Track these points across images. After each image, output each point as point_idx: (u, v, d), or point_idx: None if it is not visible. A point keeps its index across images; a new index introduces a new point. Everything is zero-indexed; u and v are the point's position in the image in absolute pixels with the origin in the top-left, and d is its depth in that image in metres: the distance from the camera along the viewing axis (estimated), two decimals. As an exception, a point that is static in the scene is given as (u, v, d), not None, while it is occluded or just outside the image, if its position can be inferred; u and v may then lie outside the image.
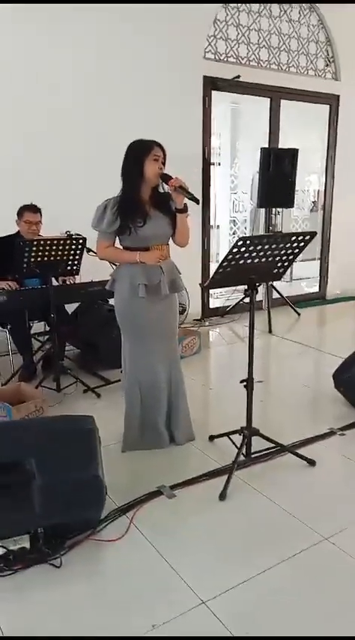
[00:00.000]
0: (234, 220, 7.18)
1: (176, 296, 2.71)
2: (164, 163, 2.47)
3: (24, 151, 4.02)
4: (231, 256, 2.18)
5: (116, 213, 2.44)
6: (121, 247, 2.57)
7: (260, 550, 1.97)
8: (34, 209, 3.65)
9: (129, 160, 2.47)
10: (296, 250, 2.34)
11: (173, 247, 2.66)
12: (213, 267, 5.73)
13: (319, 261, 6.40)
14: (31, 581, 1.82)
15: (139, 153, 2.43)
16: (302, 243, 2.31)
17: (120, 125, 4.33)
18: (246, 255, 2.20)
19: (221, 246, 7.30)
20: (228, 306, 5.47)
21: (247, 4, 5.02)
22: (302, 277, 6.95)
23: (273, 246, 2.24)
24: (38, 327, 3.94)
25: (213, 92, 5.02)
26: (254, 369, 2.48)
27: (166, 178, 2.44)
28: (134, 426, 2.68)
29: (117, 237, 2.55)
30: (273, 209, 5.40)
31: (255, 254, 2.22)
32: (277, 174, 4.93)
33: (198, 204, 2.44)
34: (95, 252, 3.42)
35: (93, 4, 4.11)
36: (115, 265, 2.75)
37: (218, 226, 7.15)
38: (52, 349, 3.49)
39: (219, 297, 5.84)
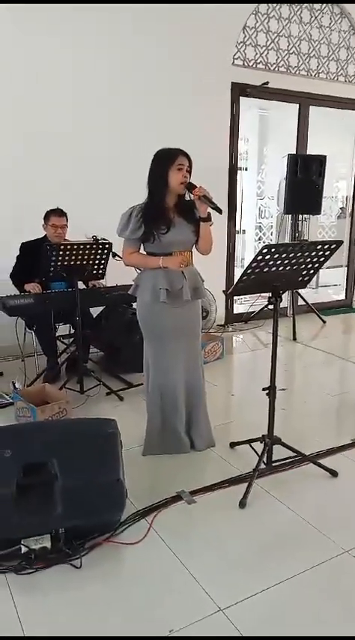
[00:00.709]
0: (260, 226, 7.14)
1: (199, 302, 2.72)
2: (190, 172, 2.48)
3: (47, 155, 4.09)
4: (255, 264, 2.18)
5: (140, 220, 2.48)
6: (145, 253, 2.60)
7: (279, 560, 1.96)
8: (59, 213, 3.72)
9: (154, 169, 2.49)
10: (322, 259, 2.32)
11: (197, 253, 2.68)
12: (238, 272, 5.72)
13: (346, 268, 6.32)
14: (52, 580, 1.85)
15: (164, 162, 2.45)
16: (327, 252, 2.29)
17: (147, 130, 4.38)
18: (271, 262, 2.20)
19: (246, 251, 7.27)
20: (252, 312, 5.44)
21: (278, 10, 5.01)
22: (328, 284, 6.87)
23: (298, 255, 2.23)
24: (63, 329, 4.01)
25: (241, 98, 5.03)
26: (277, 376, 2.47)
27: (191, 187, 2.46)
28: (155, 430, 2.70)
29: (141, 244, 2.58)
30: (300, 216, 5.36)
31: (279, 262, 2.22)
32: (304, 181, 4.90)
33: (220, 214, 2.44)
34: (120, 257, 3.49)
35: (116, 4, 4.16)
36: (140, 270, 2.78)
37: (243, 231, 7.12)
38: (77, 352, 3.54)
39: (243, 303, 5.82)
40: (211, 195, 2.44)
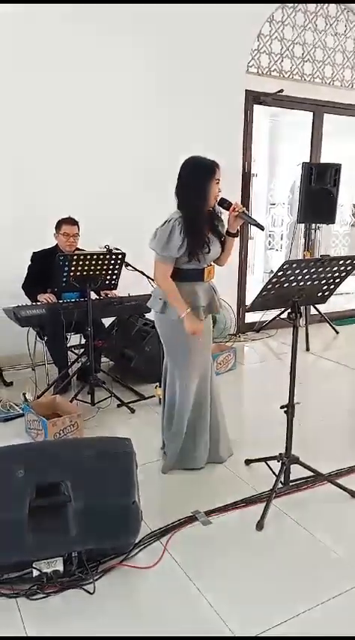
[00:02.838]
0: (272, 234, 7.09)
1: (210, 315, 2.68)
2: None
3: (64, 164, 4.07)
4: (275, 279, 2.12)
5: (183, 237, 2.31)
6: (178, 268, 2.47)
7: (299, 589, 1.88)
8: (71, 222, 3.68)
9: (191, 181, 2.33)
10: (343, 274, 2.26)
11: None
12: (250, 279, 5.66)
13: (359, 277, 6.22)
14: (64, 607, 1.79)
15: (203, 174, 2.32)
16: (349, 267, 2.23)
17: (160, 137, 4.37)
18: (291, 277, 2.14)
19: (256, 258, 7.23)
20: (264, 322, 5.37)
21: (293, 18, 4.97)
22: (340, 293, 6.78)
23: (319, 270, 2.17)
24: (74, 339, 3.96)
25: (255, 105, 4.98)
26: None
27: (223, 203, 2.38)
28: (187, 446, 2.65)
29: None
30: (313, 224, 5.30)
31: (300, 277, 2.16)
32: (318, 189, 4.83)
33: (263, 230, 2.40)
34: (133, 267, 3.46)
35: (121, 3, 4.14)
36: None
37: (252, 237, 7.08)
38: (88, 362, 3.49)
39: (256, 312, 5.75)
40: (247, 211, 2.40)
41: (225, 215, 2.52)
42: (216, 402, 2.72)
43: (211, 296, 2.57)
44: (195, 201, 2.34)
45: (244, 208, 2.38)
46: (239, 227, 2.44)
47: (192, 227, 2.34)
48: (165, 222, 2.37)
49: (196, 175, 2.33)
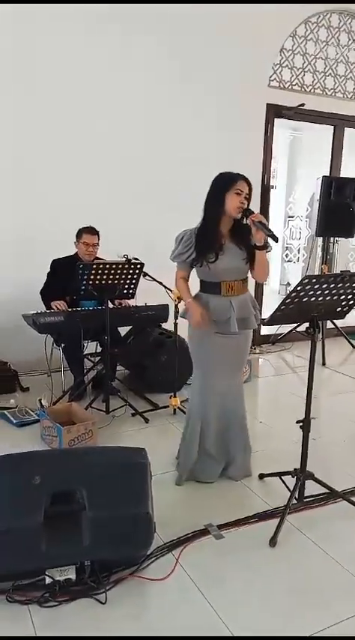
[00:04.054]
0: (290, 247, 7.09)
1: (250, 333, 2.63)
2: (249, 199, 2.41)
3: (86, 174, 4.13)
4: (294, 293, 2.12)
5: (189, 245, 2.44)
6: (199, 279, 2.55)
7: (313, 609, 1.86)
8: (92, 231, 3.72)
9: (211, 192, 2.43)
10: (363, 290, 2.24)
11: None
12: (266, 290, 5.65)
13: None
14: (76, 615, 1.79)
15: (222, 186, 2.39)
16: (370, 283, 2.21)
17: (181, 149, 4.41)
18: (310, 292, 2.14)
19: (273, 270, 7.19)
20: (280, 334, 5.35)
21: (315, 33, 5.00)
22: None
23: (339, 285, 2.16)
24: (90, 347, 3.99)
25: (275, 119, 5.01)
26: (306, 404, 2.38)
27: (248, 213, 2.39)
28: (191, 456, 2.63)
29: (192, 268, 2.55)
30: (331, 238, 5.28)
31: (319, 292, 2.15)
32: (338, 204, 4.82)
33: (276, 242, 2.39)
34: (151, 277, 3.49)
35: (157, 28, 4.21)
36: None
37: (269, 249, 7.09)
38: (104, 370, 3.51)
39: (272, 325, 5.73)
40: (266, 222, 2.38)
41: None
42: (239, 421, 2.68)
43: (227, 312, 2.47)
44: (211, 210, 2.43)
45: (262, 218, 2.36)
46: (264, 240, 2.38)
47: (203, 235, 2.42)
48: (182, 231, 2.51)
49: (217, 186, 2.43)
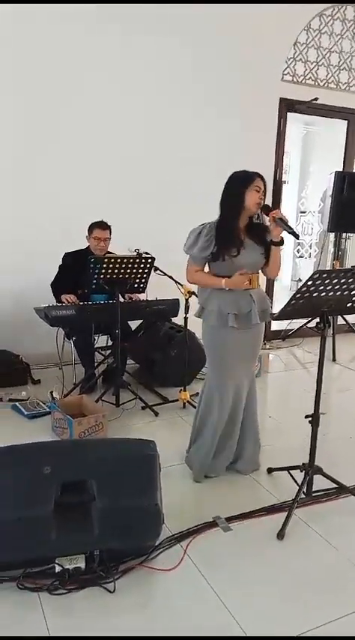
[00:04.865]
0: (302, 242, 7.04)
1: (263, 324, 2.66)
2: (265, 195, 2.45)
3: (99, 169, 4.15)
4: (304, 288, 2.12)
5: (210, 239, 2.44)
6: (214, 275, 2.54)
7: (320, 601, 1.87)
8: (103, 226, 3.74)
9: (230, 189, 2.45)
10: (374, 285, 2.23)
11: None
12: (277, 286, 5.63)
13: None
14: (85, 603, 1.82)
15: (241, 183, 2.42)
16: (381, 279, 2.20)
17: (194, 143, 4.40)
18: (321, 287, 2.14)
19: (284, 265, 7.16)
20: (290, 330, 5.33)
21: (330, 26, 4.95)
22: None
23: (350, 281, 2.16)
24: (101, 340, 4.02)
25: (288, 113, 4.98)
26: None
27: (267, 209, 2.42)
28: (210, 456, 2.64)
29: (207, 263, 2.55)
30: (343, 233, 5.24)
31: (330, 287, 2.15)
32: (350, 199, 4.78)
33: (297, 238, 2.42)
34: (162, 272, 3.50)
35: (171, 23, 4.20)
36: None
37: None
38: (115, 364, 3.54)
39: (283, 320, 5.71)
40: (287, 219, 2.40)
41: None
42: (250, 415, 2.70)
43: (249, 305, 2.50)
44: (231, 206, 2.45)
45: (283, 215, 2.39)
46: (281, 236, 2.42)
47: (223, 228, 2.43)
48: (199, 225, 2.50)
49: (235, 183, 2.45)
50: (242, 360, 2.59)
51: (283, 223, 2.37)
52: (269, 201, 4.93)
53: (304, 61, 4.93)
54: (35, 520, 1.84)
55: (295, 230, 2.37)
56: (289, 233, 2.37)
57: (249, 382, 2.68)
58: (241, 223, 2.48)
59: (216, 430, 2.62)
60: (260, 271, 2.58)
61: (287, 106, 4.93)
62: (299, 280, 7.39)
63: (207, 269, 2.57)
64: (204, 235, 2.45)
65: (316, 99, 4.89)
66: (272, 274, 2.61)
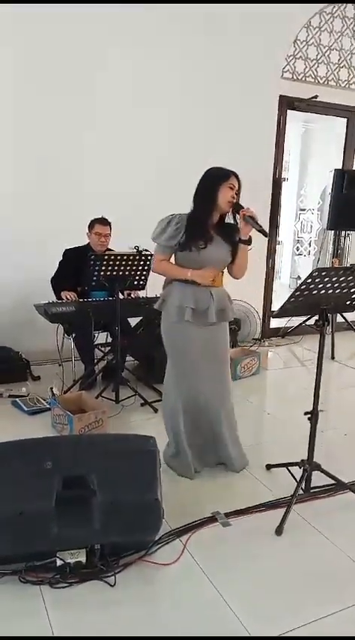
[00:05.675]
0: (301, 240, 7.06)
1: (226, 325, 2.64)
2: (238, 194, 2.45)
3: (102, 165, 4.16)
4: (304, 286, 2.13)
5: (180, 229, 2.44)
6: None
7: (318, 595, 1.89)
8: (104, 222, 3.76)
9: (205, 184, 2.46)
10: (373, 283, 2.25)
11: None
12: (276, 284, 5.65)
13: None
14: (86, 596, 1.84)
15: (216, 178, 2.43)
16: (380, 277, 2.22)
17: (193, 140, 4.41)
18: (320, 285, 2.15)
19: (283, 263, 7.21)
20: (290, 328, 5.34)
21: (330, 24, 4.95)
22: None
23: (349, 279, 2.17)
24: (101, 337, 4.03)
25: (288, 110, 4.98)
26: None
27: (238, 208, 2.43)
28: (168, 451, 2.66)
29: (172, 254, 2.54)
30: (342, 231, 5.26)
31: (329, 285, 2.17)
32: (350, 197, 4.79)
33: (266, 237, 2.41)
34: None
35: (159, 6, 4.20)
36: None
37: (279, 242, 7.07)
38: (114, 360, 3.55)
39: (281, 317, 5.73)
40: (258, 217, 2.40)
41: None
42: (226, 419, 2.64)
43: (207, 302, 2.49)
44: (203, 201, 2.45)
45: (253, 213, 2.39)
46: (250, 235, 2.44)
47: (194, 222, 2.43)
48: (169, 215, 2.50)
49: (209, 178, 2.46)
50: (201, 358, 2.55)
51: (252, 221, 2.38)
52: (268, 198, 5.00)
53: (304, 59, 4.94)
54: (37, 514, 1.86)
55: (264, 228, 2.37)
56: (258, 231, 2.38)
57: (218, 384, 2.61)
58: (212, 219, 2.48)
59: (173, 428, 2.63)
60: (225, 271, 2.59)
61: (287, 103, 4.94)
62: (298, 278, 7.42)
63: (173, 261, 2.55)
64: (174, 224, 2.44)
65: (316, 96, 4.90)
66: (237, 274, 2.59)
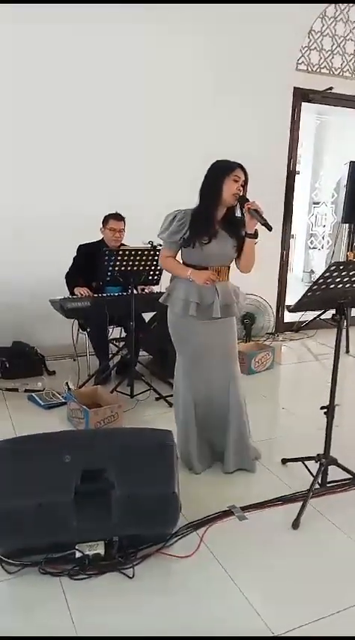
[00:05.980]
0: (315, 234, 7.01)
1: (233, 320, 2.62)
2: (244, 187, 2.42)
3: (113, 160, 4.17)
4: (321, 280, 2.12)
5: (183, 224, 2.42)
6: (181, 261, 2.54)
7: (335, 589, 1.90)
8: (118, 217, 3.76)
9: (209, 177, 2.44)
10: None
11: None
12: (289, 277, 5.61)
13: None
14: (105, 587, 1.87)
15: (220, 171, 2.40)
16: None
17: (208, 132, 4.38)
18: (338, 280, 2.14)
19: (296, 256, 7.17)
20: (304, 322, 5.33)
21: (346, 13, 4.88)
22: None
23: (367, 272, 2.16)
24: (115, 332, 4.05)
25: (302, 103, 4.93)
26: (330, 391, 2.39)
27: (243, 201, 2.39)
28: (181, 445, 2.63)
29: (179, 249, 2.54)
30: (357, 224, 5.21)
31: (347, 279, 2.15)
32: (365, 190, 4.75)
33: (270, 231, 2.35)
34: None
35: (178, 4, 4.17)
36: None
37: (293, 235, 7.02)
38: (129, 355, 3.57)
39: (298, 312, 5.70)
40: (262, 210, 2.37)
41: None
42: (233, 413, 2.60)
43: (212, 297, 2.47)
44: (208, 194, 2.42)
45: (258, 206, 2.36)
46: (256, 229, 2.41)
47: (198, 217, 2.41)
48: (174, 210, 2.49)
49: (214, 171, 2.43)
50: (208, 354, 2.54)
51: (257, 214, 2.34)
52: (281, 192, 4.97)
53: (319, 50, 4.87)
54: (56, 507, 1.88)
55: (268, 222, 2.34)
56: (262, 225, 2.35)
57: (224, 380, 2.58)
58: (218, 213, 2.45)
59: (181, 421, 2.63)
60: (232, 265, 2.57)
61: (302, 95, 4.89)
62: (312, 272, 7.37)
63: (179, 256, 2.55)
64: (178, 220, 2.43)
65: (331, 88, 4.84)
66: (244, 269, 2.56)
